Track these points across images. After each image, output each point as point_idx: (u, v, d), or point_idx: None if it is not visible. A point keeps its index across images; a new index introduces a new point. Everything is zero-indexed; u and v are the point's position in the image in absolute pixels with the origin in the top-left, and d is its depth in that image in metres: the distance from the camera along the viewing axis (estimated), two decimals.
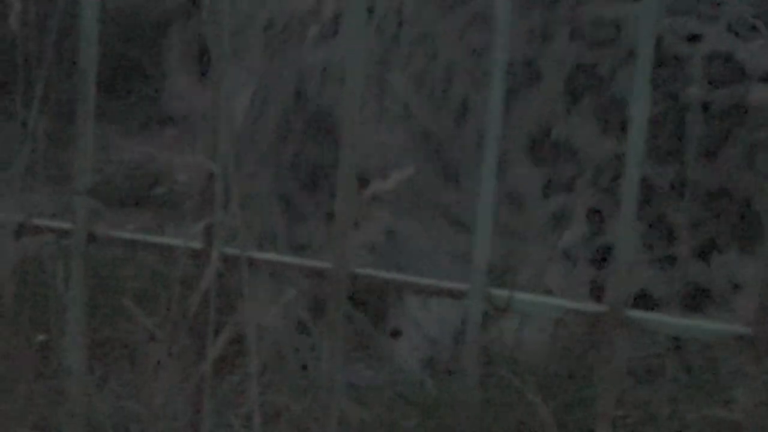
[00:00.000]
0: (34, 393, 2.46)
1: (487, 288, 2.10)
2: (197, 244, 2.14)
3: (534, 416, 2.62)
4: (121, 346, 3.61)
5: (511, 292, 2.12)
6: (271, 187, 4.40)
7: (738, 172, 3.51)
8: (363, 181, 2.04)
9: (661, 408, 3.01)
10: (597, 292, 3.49)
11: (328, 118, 4.00)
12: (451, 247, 3.90)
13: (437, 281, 2.21)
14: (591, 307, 2.15)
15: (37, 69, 2.22)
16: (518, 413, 2.89)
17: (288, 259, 2.18)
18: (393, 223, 3.93)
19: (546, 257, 3.58)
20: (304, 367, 3.25)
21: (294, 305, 2.17)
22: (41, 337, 2.47)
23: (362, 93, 2.07)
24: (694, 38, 3.58)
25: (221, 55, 2.09)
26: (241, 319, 2.12)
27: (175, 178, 2.01)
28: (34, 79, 2.23)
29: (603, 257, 3.52)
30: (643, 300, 4.00)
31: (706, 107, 3.51)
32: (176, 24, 5.16)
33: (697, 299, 3.50)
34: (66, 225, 2.24)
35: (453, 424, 2.31)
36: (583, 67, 3.65)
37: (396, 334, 3.98)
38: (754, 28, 3.60)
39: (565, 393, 3.04)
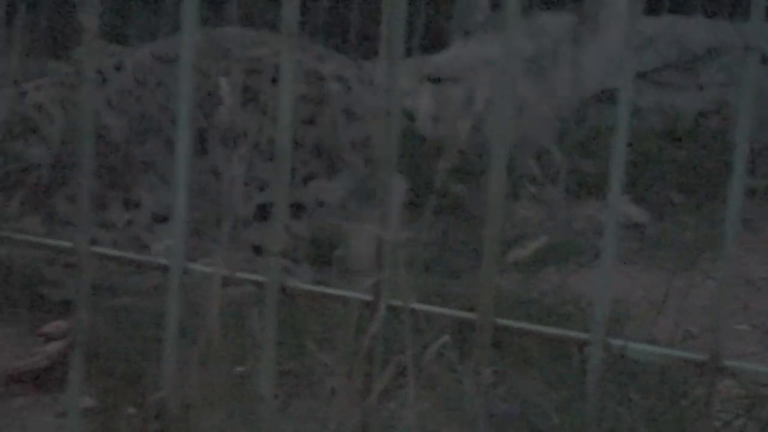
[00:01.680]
0: (232, 415, 2.49)
1: (605, 337, 2.12)
2: (368, 297, 2.19)
3: None
4: (302, 377, 3.66)
5: (626, 342, 2.14)
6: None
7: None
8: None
9: None
10: None
11: None
12: None
13: (563, 330, 2.23)
14: (694, 356, 2.16)
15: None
16: None
17: (443, 310, 2.21)
18: None
19: None
20: (449, 400, 3.28)
21: (446, 348, 2.20)
22: (239, 369, 2.50)
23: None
24: None
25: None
26: (402, 358, 2.16)
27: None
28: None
29: None
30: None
31: None
32: None
33: None
34: (262, 278, 2.30)
35: None
36: None
37: None
38: None
39: None
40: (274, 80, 4.84)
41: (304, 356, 3.61)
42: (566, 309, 4.32)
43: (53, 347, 4.15)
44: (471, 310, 2.23)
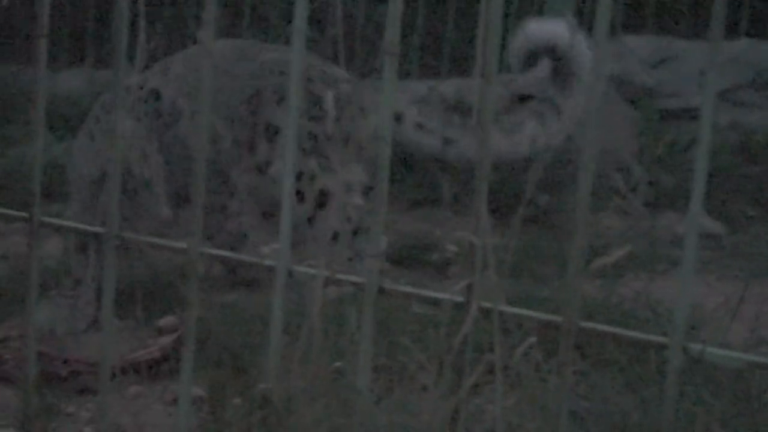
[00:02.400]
0: (330, 407, 2.50)
1: (684, 342, 2.10)
2: (460, 298, 2.19)
3: None
4: (396, 373, 3.66)
5: (704, 346, 2.12)
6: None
7: None
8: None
9: None
10: None
11: None
12: None
13: (643, 334, 2.21)
14: None
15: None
16: None
17: (530, 312, 2.20)
18: None
19: None
20: (534, 397, 3.26)
21: (532, 348, 2.19)
22: (337, 364, 2.51)
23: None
24: None
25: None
26: (491, 357, 2.16)
27: (446, 248, 2.06)
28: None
29: None
30: None
31: None
32: None
33: None
34: (361, 279, 2.31)
35: None
36: None
37: None
38: None
39: None
40: None
41: (398, 353, 3.61)
42: (644, 314, 4.28)
43: (165, 340, 4.20)
44: (555, 313, 2.22)
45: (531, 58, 4.83)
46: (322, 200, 4.72)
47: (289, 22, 3.12)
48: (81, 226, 2.71)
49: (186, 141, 4.55)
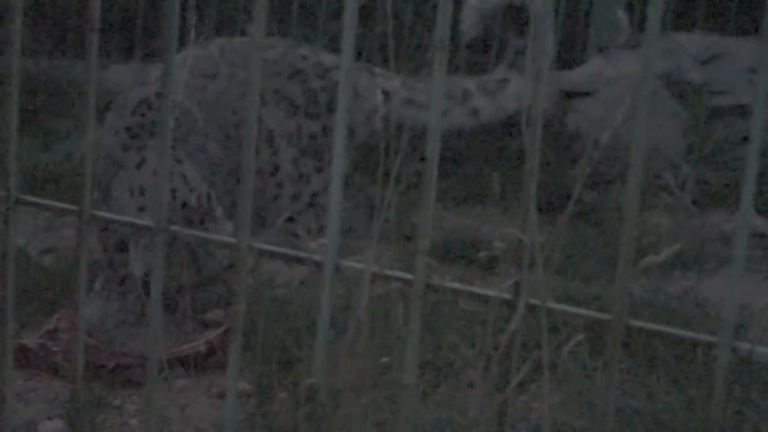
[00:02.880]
0: (375, 401, 2.51)
1: (733, 340, 2.09)
2: (508, 296, 2.19)
3: None
4: (441, 369, 3.67)
5: (753, 346, 2.10)
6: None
7: None
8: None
9: None
10: None
11: None
12: None
13: (691, 333, 2.20)
14: None
15: (390, 161, 2.31)
16: None
17: (578, 310, 2.20)
18: None
19: None
20: (581, 395, 3.26)
21: (580, 346, 2.19)
22: (384, 359, 2.51)
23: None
24: None
25: None
26: (538, 354, 2.15)
27: (493, 245, 2.07)
28: (389, 166, 2.31)
29: None
30: None
31: None
32: None
33: None
34: (408, 276, 2.31)
35: None
36: None
37: None
38: None
39: None
40: None
41: (443, 349, 3.62)
42: (691, 313, 4.26)
43: (211, 334, 4.22)
44: (602, 311, 2.22)
45: (484, 19, 4.88)
46: (312, 201, 4.88)
47: (337, 17, 3.13)
48: (131, 219, 2.73)
49: (206, 147, 4.55)
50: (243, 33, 7.19)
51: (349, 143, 5.03)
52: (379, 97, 5.05)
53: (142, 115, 4.48)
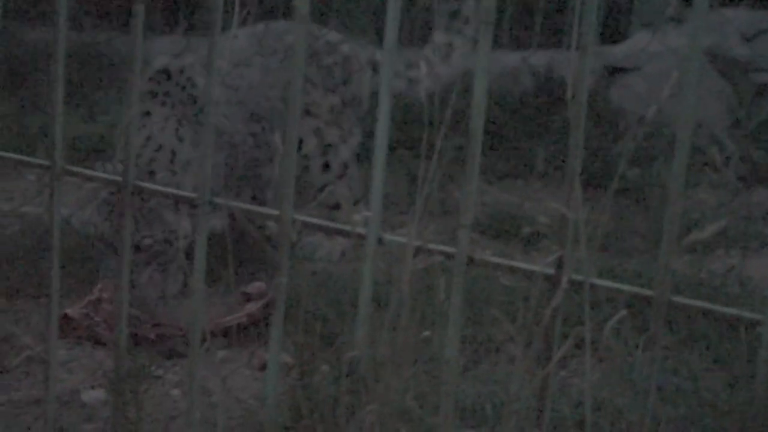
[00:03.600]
0: (415, 374, 2.51)
1: None
2: (551, 271, 2.18)
3: None
4: (482, 344, 3.67)
5: None
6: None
7: None
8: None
9: None
10: None
11: None
12: None
13: (736, 310, 2.18)
14: None
15: (435, 132, 2.30)
16: None
17: (621, 286, 2.19)
18: None
19: None
20: (622, 371, 3.25)
21: (622, 323, 2.17)
22: (426, 333, 2.51)
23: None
24: None
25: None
26: (580, 331, 2.15)
27: (536, 220, 2.06)
28: (434, 138, 2.30)
29: None
30: None
31: None
32: None
33: None
34: (451, 250, 2.31)
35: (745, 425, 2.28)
36: None
37: None
38: None
39: None
40: None
41: (484, 324, 3.62)
42: (734, 290, 4.24)
43: (253, 306, 4.24)
44: (645, 287, 2.20)
45: None
46: (342, 172, 4.91)
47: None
48: (174, 191, 2.74)
49: (222, 128, 4.55)
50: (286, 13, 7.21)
51: (358, 112, 5.10)
52: (423, 69, 5.08)
53: (158, 83, 4.54)
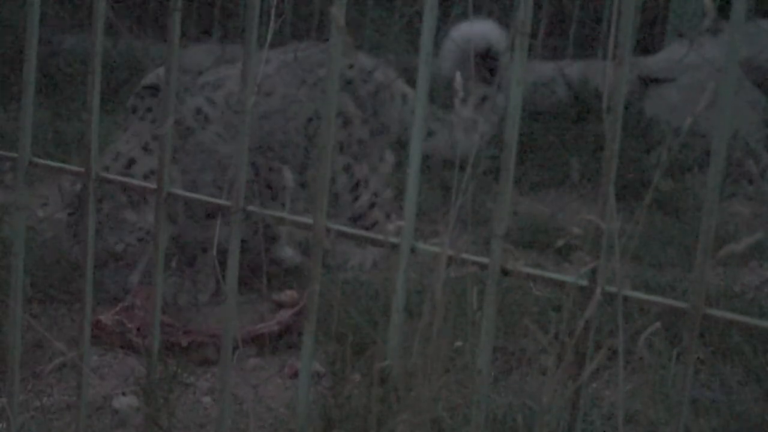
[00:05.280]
0: (447, 384, 2.50)
1: None
2: (584, 282, 2.18)
3: None
4: (513, 354, 3.66)
5: None
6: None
7: None
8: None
9: None
10: None
11: None
12: None
13: None
14: None
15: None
16: None
17: (655, 298, 2.18)
18: None
19: None
20: (655, 384, 3.23)
21: (656, 334, 2.17)
22: (458, 343, 2.50)
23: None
24: None
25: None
26: (613, 342, 2.14)
27: (570, 231, 2.05)
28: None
29: None
30: None
31: None
32: None
33: None
34: (484, 260, 2.31)
35: None
36: None
37: None
38: None
39: None
40: None
41: (516, 335, 3.61)
42: (767, 303, 4.22)
43: (285, 314, 4.25)
44: (678, 299, 2.19)
45: (464, 59, 4.83)
46: (373, 202, 4.91)
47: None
48: (208, 198, 2.75)
49: (212, 147, 4.50)
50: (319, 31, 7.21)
51: (386, 140, 5.08)
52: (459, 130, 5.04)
53: (142, 98, 4.55)
